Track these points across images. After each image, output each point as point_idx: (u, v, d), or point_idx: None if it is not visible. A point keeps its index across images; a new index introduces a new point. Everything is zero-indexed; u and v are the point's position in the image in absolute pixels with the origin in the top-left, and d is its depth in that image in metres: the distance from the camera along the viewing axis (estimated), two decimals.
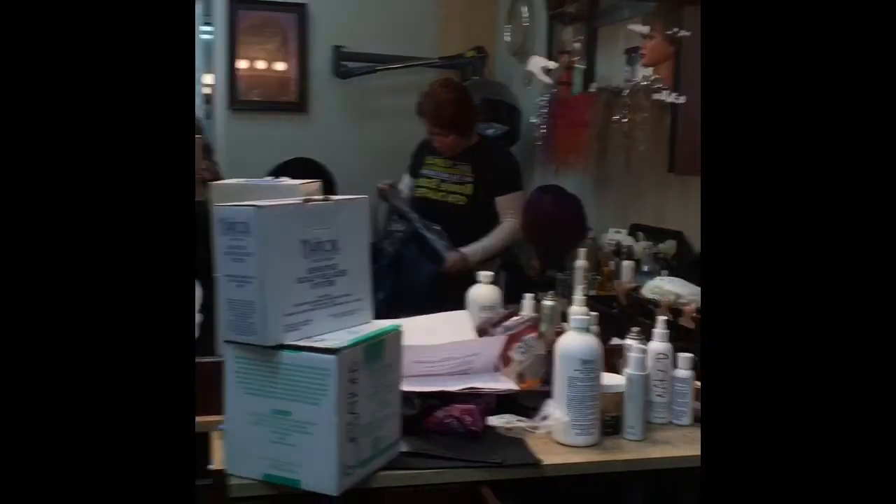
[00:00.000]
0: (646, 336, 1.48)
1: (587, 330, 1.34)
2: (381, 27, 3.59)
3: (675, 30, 1.91)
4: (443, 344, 1.41)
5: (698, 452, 1.30)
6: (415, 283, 2.50)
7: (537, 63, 2.61)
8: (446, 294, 2.39)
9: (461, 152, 2.54)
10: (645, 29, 2.07)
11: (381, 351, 1.15)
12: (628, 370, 1.38)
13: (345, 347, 1.07)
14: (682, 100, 1.88)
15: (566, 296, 2.09)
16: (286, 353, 1.07)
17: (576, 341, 1.32)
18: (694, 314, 1.59)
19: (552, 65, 2.57)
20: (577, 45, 2.61)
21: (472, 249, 2.46)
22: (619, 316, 1.85)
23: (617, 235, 2.56)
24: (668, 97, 1.90)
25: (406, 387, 1.31)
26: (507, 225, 2.43)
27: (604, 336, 1.70)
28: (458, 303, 1.69)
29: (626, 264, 2.23)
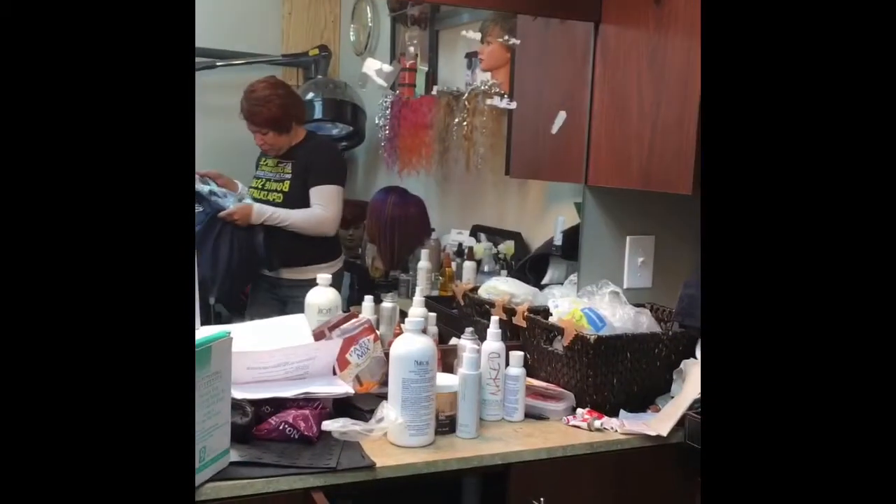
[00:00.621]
0: (480, 335, 1.52)
1: (422, 331, 1.36)
2: (222, 22, 3.47)
3: (506, 38, 1.97)
4: (277, 349, 1.38)
5: (529, 447, 1.37)
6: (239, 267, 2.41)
7: (372, 65, 2.62)
8: (290, 298, 2.36)
9: (287, 151, 2.50)
10: (476, 35, 2.13)
11: (207, 359, 1.12)
12: (462, 370, 1.41)
13: None
14: (512, 106, 1.94)
15: (409, 296, 2.11)
16: None
17: (410, 343, 1.33)
18: (525, 313, 1.64)
19: (387, 67, 2.58)
20: (412, 49, 2.63)
21: (261, 207, 2.41)
22: (459, 316, 1.89)
23: (459, 236, 2.61)
24: (499, 103, 1.95)
25: (237, 394, 1.28)
26: (315, 210, 2.40)
27: (443, 336, 1.74)
28: (296, 307, 1.66)
29: (468, 265, 2.28)
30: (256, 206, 2.40)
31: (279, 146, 2.47)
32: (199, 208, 2.31)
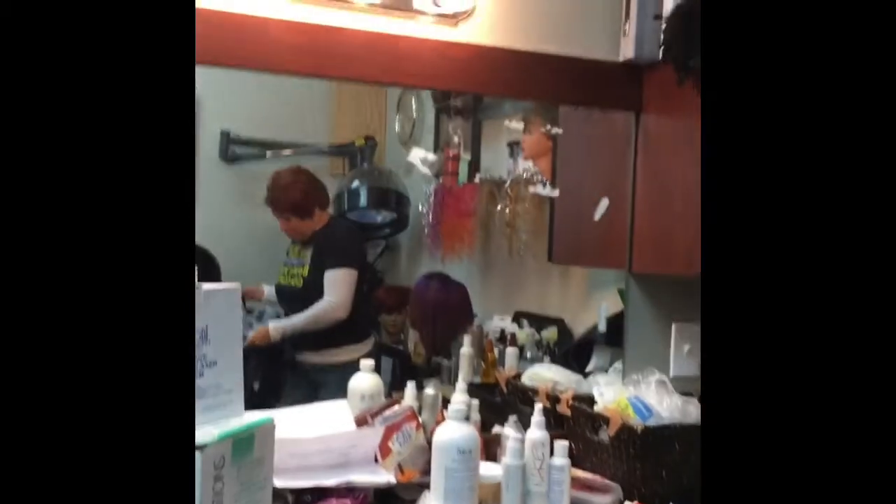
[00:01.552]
0: (524, 423, 1.49)
1: (465, 419, 1.34)
2: (271, 113, 3.60)
3: (548, 127, 2.01)
4: (318, 436, 1.38)
5: None
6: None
7: (417, 154, 2.69)
8: (323, 383, 2.36)
9: (310, 236, 2.56)
10: (519, 125, 2.17)
11: (251, 445, 1.11)
12: (506, 459, 1.38)
13: (210, 443, 1.03)
14: (555, 193, 1.96)
15: (451, 382, 2.10)
16: None
17: (453, 431, 1.31)
18: (570, 401, 1.62)
19: (431, 156, 2.65)
20: (455, 138, 2.71)
21: (276, 324, 2.46)
22: (502, 404, 1.86)
23: (501, 322, 2.60)
24: (542, 190, 1.98)
25: (279, 482, 1.27)
26: (322, 303, 2.42)
27: (486, 424, 1.71)
28: (328, 390, 1.67)
29: (510, 351, 2.26)
30: (271, 325, 2.46)
31: (302, 231, 2.54)
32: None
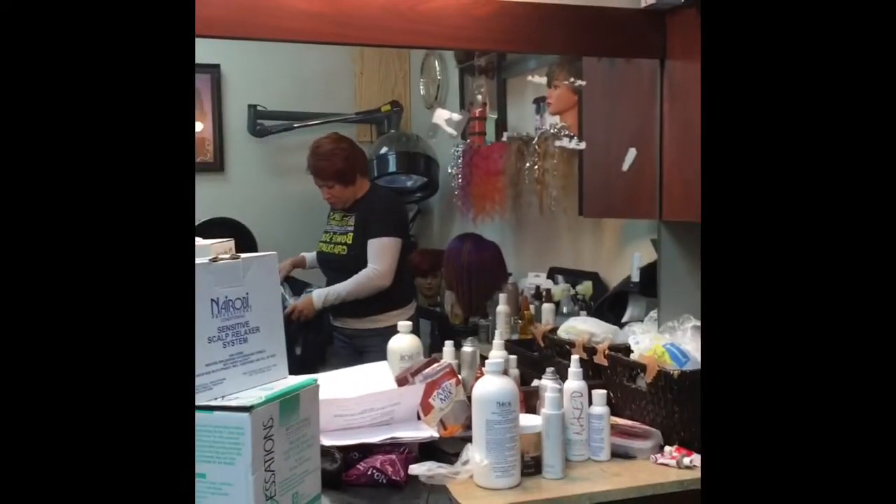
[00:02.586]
0: (562, 375, 1.51)
1: (503, 372, 1.37)
2: (296, 85, 3.63)
3: (572, 80, 1.99)
4: (362, 396, 1.42)
5: (617, 486, 1.35)
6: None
7: (441, 115, 2.69)
8: (367, 348, 2.41)
9: (352, 204, 2.58)
10: (542, 80, 2.16)
11: (296, 406, 1.15)
12: (545, 410, 1.40)
13: (258, 405, 1.07)
14: (581, 146, 1.96)
15: (489, 341, 2.13)
16: (199, 414, 1.06)
17: (491, 384, 1.34)
18: (606, 351, 1.63)
19: (456, 116, 2.65)
20: (479, 98, 2.70)
21: (319, 292, 2.49)
22: (539, 358, 1.89)
23: (536, 279, 2.62)
24: (568, 144, 1.97)
25: (326, 441, 1.31)
26: (365, 271, 2.45)
27: (525, 379, 1.74)
28: (373, 355, 1.70)
29: (546, 307, 2.28)
30: (315, 294, 2.49)
31: (345, 199, 2.56)
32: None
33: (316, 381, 1.21)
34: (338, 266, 2.56)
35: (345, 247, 2.55)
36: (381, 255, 2.47)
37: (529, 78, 2.29)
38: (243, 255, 1.19)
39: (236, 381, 1.13)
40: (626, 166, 1.83)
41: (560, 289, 2.47)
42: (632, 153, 1.82)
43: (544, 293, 2.44)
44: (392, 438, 1.37)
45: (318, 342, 2.53)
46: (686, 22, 1.63)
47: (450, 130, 2.72)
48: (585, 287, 2.38)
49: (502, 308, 2.23)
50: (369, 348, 2.36)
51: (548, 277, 2.58)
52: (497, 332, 1.85)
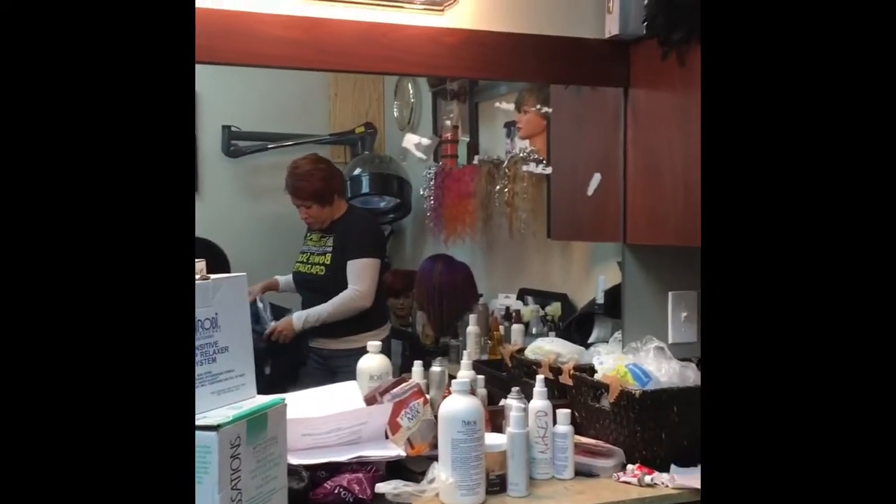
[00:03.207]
0: (529, 395, 1.54)
1: (470, 392, 1.40)
2: (270, 106, 3.63)
3: (539, 107, 2.05)
4: (330, 415, 1.43)
5: None
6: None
7: (411, 140, 2.75)
8: (341, 368, 2.41)
9: (330, 224, 2.60)
10: (509, 107, 2.22)
11: (264, 425, 1.17)
12: (510, 429, 1.43)
13: (226, 424, 1.08)
14: (548, 171, 2.01)
15: (459, 361, 2.15)
16: None
17: (457, 403, 1.37)
18: (571, 371, 1.67)
19: (425, 141, 2.70)
20: (448, 123, 2.75)
21: (300, 314, 2.50)
22: (508, 378, 1.92)
23: (506, 300, 2.65)
24: (535, 168, 2.02)
25: (293, 460, 1.33)
26: (346, 293, 2.46)
27: (494, 398, 1.77)
28: (346, 377, 1.72)
29: (516, 328, 2.31)
30: (295, 316, 2.50)
31: (322, 219, 2.58)
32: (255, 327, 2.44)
33: (284, 400, 1.23)
34: (315, 286, 2.57)
35: (323, 267, 2.56)
36: (362, 275, 2.48)
37: (497, 105, 2.34)
38: (213, 276, 1.21)
39: (205, 400, 1.15)
40: (590, 191, 1.88)
41: (529, 310, 2.50)
42: (596, 178, 1.87)
43: (514, 314, 2.47)
44: (359, 457, 1.39)
45: (288, 362, 2.54)
46: (648, 53, 1.68)
47: (419, 155, 2.78)
48: (554, 308, 2.42)
49: (472, 329, 2.26)
50: (344, 369, 2.36)
51: (518, 298, 2.61)
52: (465, 353, 1.89)
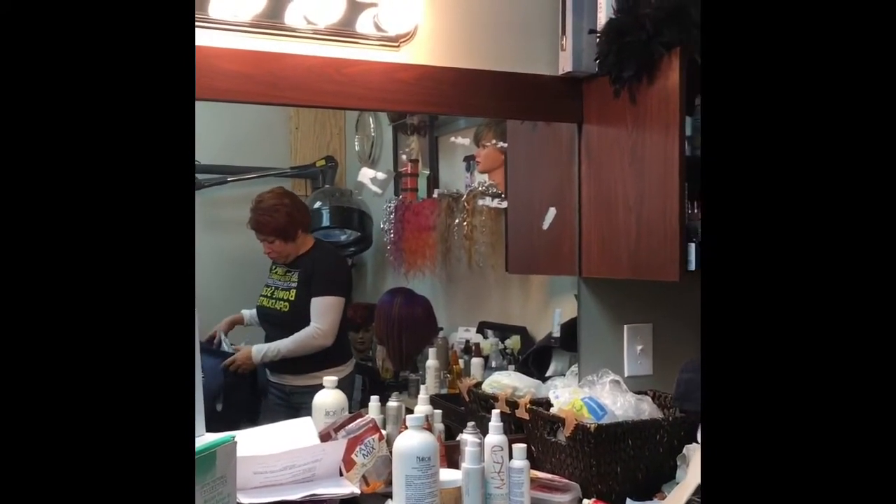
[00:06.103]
0: (486, 430, 1.54)
1: (425, 427, 1.39)
2: (230, 139, 3.62)
3: (495, 141, 2.07)
4: (283, 452, 1.41)
5: None
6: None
7: (366, 174, 2.77)
8: (303, 405, 2.39)
9: (294, 259, 2.58)
10: (465, 141, 2.24)
11: (212, 464, 1.15)
12: (465, 464, 1.42)
13: None
14: (504, 205, 2.02)
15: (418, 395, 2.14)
16: None
17: (412, 439, 1.36)
18: (527, 405, 1.67)
19: (381, 175, 2.72)
20: (406, 157, 2.78)
21: (259, 347, 2.48)
22: (465, 413, 1.91)
23: (466, 334, 2.65)
24: (491, 202, 2.04)
25: (244, 499, 1.31)
26: (308, 330, 2.44)
27: (452, 433, 1.76)
28: (308, 413, 1.70)
29: (475, 361, 2.31)
30: (254, 348, 2.47)
31: (286, 254, 2.56)
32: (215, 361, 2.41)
33: (234, 437, 1.21)
34: (278, 322, 2.54)
35: (287, 303, 2.54)
36: (325, 314, 2.47)
37: (452, 139, 2.36)
38: None
39: None
40: (546, 225, 1.90)
41: (489, 343, 2.50)
42: (552, 212, 1.89)
43: (474, 347, 2.47)
44: (313, 495, 1.37)
45: (245, 398, 2.50)
46: (600, 89, 1.71)
47: (374, 189, 2.79)
48: (514, 341, 2.43)
49: (432, 362, 2.26)
50: (306, 405, 2.34)
51: (477, 332, 2.61)
52: (423, 387, 1.88)
